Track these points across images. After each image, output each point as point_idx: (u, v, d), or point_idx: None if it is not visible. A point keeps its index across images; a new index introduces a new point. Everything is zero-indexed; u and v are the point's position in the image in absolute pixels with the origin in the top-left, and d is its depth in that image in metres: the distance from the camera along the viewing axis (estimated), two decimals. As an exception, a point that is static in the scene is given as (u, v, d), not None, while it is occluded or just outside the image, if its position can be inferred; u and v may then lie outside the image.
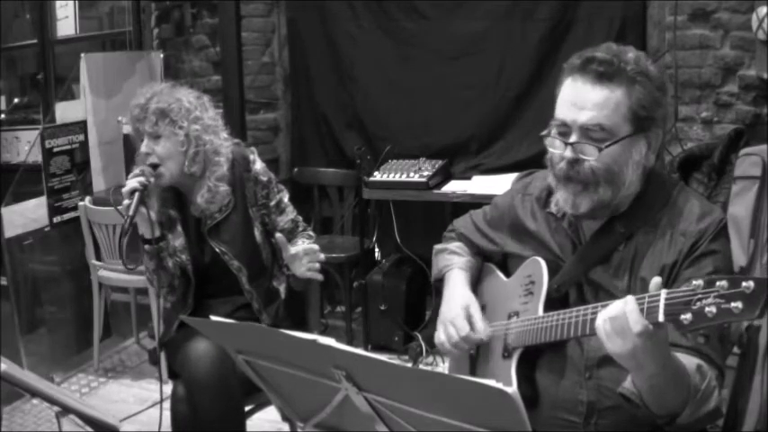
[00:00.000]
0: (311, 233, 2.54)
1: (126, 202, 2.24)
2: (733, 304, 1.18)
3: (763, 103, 3.36)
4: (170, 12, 4.55)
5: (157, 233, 2.33)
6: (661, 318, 1.27)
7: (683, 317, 1.24)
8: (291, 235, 2.47)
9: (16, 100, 4.95)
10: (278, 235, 2.30)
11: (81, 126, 3.86)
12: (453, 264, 1.90)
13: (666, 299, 1.27)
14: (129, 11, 4.63)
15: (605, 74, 1.52)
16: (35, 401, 1.75)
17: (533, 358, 1.65)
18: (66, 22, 4.71)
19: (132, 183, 2.26)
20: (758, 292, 1.16)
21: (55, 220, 3.70)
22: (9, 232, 3.54)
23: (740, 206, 2.84)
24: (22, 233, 3.72)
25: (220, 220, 2.41)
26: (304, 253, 2.28)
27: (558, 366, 1.62)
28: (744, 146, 3.03)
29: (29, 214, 3.65)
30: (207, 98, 2.48)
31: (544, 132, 1.60)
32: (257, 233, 2.45)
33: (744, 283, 1.18)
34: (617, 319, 1.32)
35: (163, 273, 2.37)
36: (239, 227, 2.42)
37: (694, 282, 1.24)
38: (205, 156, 2.38)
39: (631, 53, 1.56)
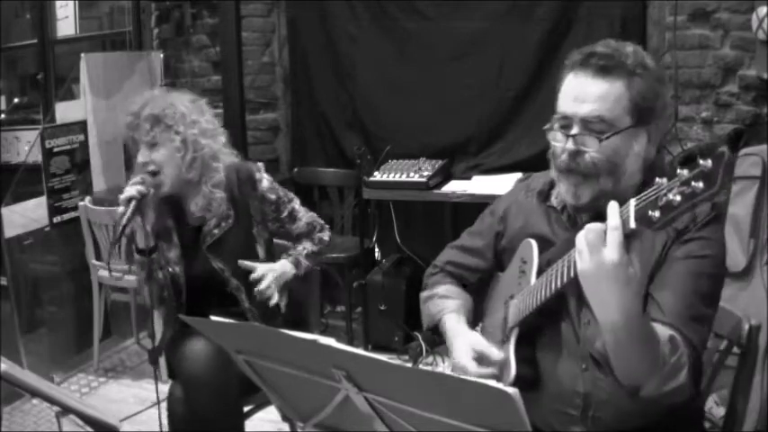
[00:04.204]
0: (322, 237, 2.50)
1: (121, 209, 2.18)
2: (694, 184, 1.19)
3: (763, 103, 3.36)
4: (170, 12, 4.55)
5: (151, 244, 2.27)
6: (632, 224, 1.28)
7: (651, 214, 1.25)
8: (310, 236, 2.47)
9: (16, 100, 4.95)
10: (240, 262, 2.32)
11: (81, 126, 3.87)
12: (445, 308, 1.87)
13: (635, 204, 1.29)
14: (129, 11, 4.63)
15: (605, 67, 1.54)
16: (35, 401, 1.75)
17: (532, 341, 1.65)
18: (66, 22, 4.71)
19: (131, 191, 2.19)
20: (716, 166, 1.17)
21: (55, 220, 3.70)
22: (9, 232, 3.54)
23: (740, 206, 2.84)
24: (22, 233, 3.73)
25: (221, 236, 2.35)
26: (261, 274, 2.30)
27: (554, 355, 1.63)
28: (744, 146, 3.03)
29: (29, 214, 3.65)
30: (204, 101, 2.41)
31: (546, 126, 1.62)
32: (260, 251, 2.42)
33: (701, 162, 1.19)
34: (597, 228, 1.33)
35: (152, 284, 2.31)
36: (240, 245, 2.37)
37: (657, 179, 1.25)
38: (203, 161, 2.31)
39: (630, 47, 1.59)
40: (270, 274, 2.32)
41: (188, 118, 2.30)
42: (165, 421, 2.25)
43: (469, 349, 1.71)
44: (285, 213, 2.43)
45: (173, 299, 2.37)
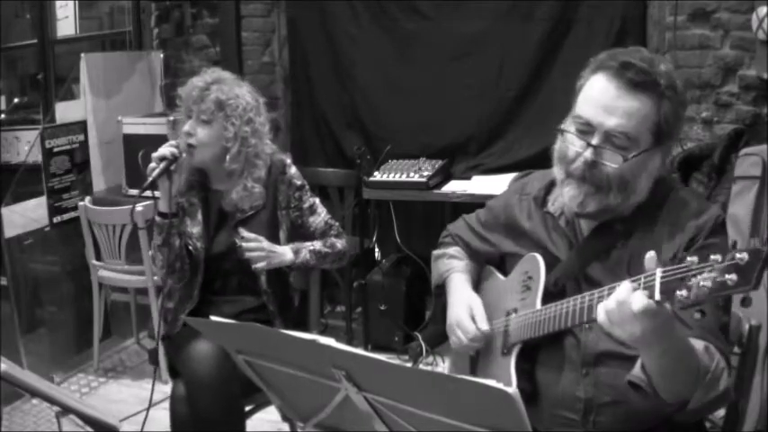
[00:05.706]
0: (335, 242, 2.52)
1: (152, 165, 2.32)
2: (727, 276, 1.17)
3: (763, 103, 3.36)
4: (170, 12, 4.55)
5: (173, 209, 2.37)
6: (657, 296, 1.26)
7: (678, 293, 1.23)
8: (325, 236, 2.51)
9: (16, 100, 4.94)
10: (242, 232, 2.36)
11: (81, 126, 3.87)
12: (453, 268, 1.90)
13: (662, 276, 1.26)
14: (129, 11, 4.64)
15: (640, 84, 1.51)
16: (35, 401, 1.76)
17: (532, 355, 1.66)
18: (66, 22, 4.70)
19: (164, 150, 2.34)
20: (752, 263, 1.15)
21: (55, 220, 3.70)
22: (9, 232, 3.54)
23: (740, 206, 2.84)
24: (22, 233, 3.73)
25: (250, 215, 2.42)
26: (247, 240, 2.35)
27: (556, 363, 1.63)
28: (744, 146, 3.03)
29: (29, 214, 3.65)
30: (263, 101, 2.50)
31: (562, 126, 1.60)
32: (282, 236, 2.47)
33: (738, 255, 1.17)
34: (614, 310, 1.32)
35: (167, 250, 2.39)
36: (266, 226, 2.44)
37: (689, 258, 1.23)
38: (246, 157, 2.40)
39: (663, 65, 1.56)
40: (267, 243, 2.37)
41: (247, 115, 2.39)
42: (162, 420, 2.25)
43: (468, 307, 1.76)
44: (306, 204, 2.50)
45: (186, 272, 2.43)
